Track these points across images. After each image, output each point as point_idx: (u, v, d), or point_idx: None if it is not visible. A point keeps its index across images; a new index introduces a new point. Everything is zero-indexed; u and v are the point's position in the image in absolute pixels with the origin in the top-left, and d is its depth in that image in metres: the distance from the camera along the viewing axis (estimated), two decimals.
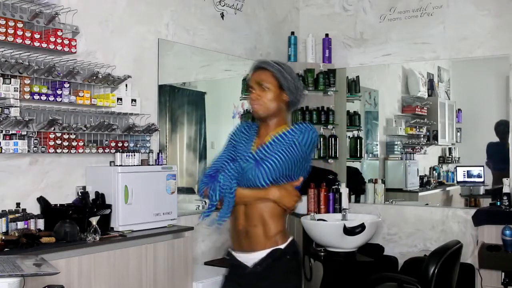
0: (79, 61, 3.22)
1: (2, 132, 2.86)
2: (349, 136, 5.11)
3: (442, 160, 5.29)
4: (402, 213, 4.76)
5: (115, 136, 3.44)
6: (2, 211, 2.90)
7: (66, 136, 3.13)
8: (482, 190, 4.73)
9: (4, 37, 2.83)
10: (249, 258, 2.26)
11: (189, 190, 4.57)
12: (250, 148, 2.31)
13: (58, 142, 3.08)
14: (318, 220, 4.29)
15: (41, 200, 3.09)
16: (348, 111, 5.11)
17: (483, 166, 4.71)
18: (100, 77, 3.27)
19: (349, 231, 4.00)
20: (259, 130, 2.35)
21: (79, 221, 2.96)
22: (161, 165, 3.55)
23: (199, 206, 4.43)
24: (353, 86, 5.10)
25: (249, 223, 2.28)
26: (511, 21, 4.35)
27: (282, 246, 2.25)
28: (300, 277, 2.34)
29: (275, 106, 2.26)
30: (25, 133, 2.96)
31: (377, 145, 5.35)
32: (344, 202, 4.68)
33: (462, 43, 4.54)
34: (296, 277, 2.29)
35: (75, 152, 3.18)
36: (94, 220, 2.96)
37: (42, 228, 2.98)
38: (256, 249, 2.24)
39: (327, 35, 5.10)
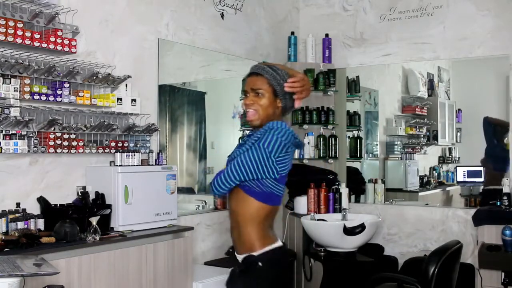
0: (79, 61, 3.22)
1: (2, 132, 2.86)
2: (349, 136, 5.11)
3: (442, 160, 5.29)
4: (402, 213, 4.76)
5: (115, 136, 3.44)
6: (2, 211, 2.90)
7: (66, 136, 3.13)
8: (482, 190, 4.73)
9: (4, 37, 2.83)
10: (238, 258, 2.32)
11: (189, 190, 4.57)
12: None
13: (58, 142, 3.08)
14: (318, 220, 4.29)
15: (41, 200, 3.09)
16: (348, 111, 5.11)
17: (483, 166, 4.71)
18: (100, 77, 3.27)
19: (349, 231, 4.00)
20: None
21: (79, 221, 2.96)
22: (161, 165, 3.55)
23: (199, 206, 4.43)
24: (353, 86, 5.11)
25: (231, 224, 2.33)
26: (511, 21, 4.35)
27: (256, 253, 2.23)
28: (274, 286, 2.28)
29: (269, 112, 2.26)
30: (25, 133, 2.95)
31: (377, 145, 5.35)
32: (344, 202, 4.68)
33: (462, 43, 4.54)
34: (265, 284, 2.23)
35: (75, 152, 3.18)
36: (94, 220, 2.96)
37: (42, 228, 2.98)
38: (239, 252, 2.30)
39: (327, 35, 5.10)
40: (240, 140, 2.44)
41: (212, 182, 2.22)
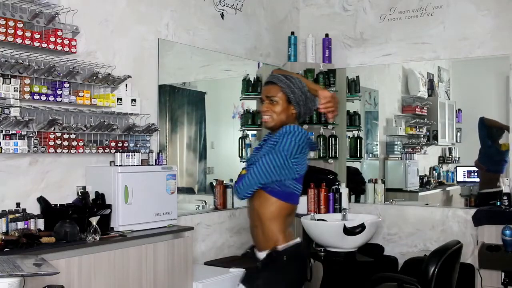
0: (79, 61, 3.22)
1: (2, 132, 2.86)
2: (349, 136, 5.11)
3: (442, 160, 5.29)
4: (402, 213, 4.76)
5: (115, 136, 3.44)
6: (2, 211, 2.90)
7: (66, 136, 3.13)
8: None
9: (4, 37, 2.83)
10: (259, 255, 2.43)
11: (189, 190, 4.58)
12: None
13: (58, 142, 3.08)
14: (318, 220, 4.29)
15: (41, 200, 3.09)
16: (348, 111, 5.11)
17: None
18: (100, 77, 3.27)
19: (349, 231, 4.00)
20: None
21: (79, 221, 2.96)
22: (161, 165, 3.55)
23: (199, 206, 4.43)
24: (353, 86, 5.11)
25: (252, 223, 2.44)
26: (511, 21, 4.36)
27: (280, 248, 2.35)
28: (294, 281, 2.41)
29: (283, 118, 2.43)
30: (25, 133, 2.95)
31: (377, 145, 5.35)
32: (344, 202, 4.68)
33: (462, 43, 4.54)
34: (288, 278, 2.37)
35: (75, 152, 3.18)
36: (94, 220, 2.95)
37: (42, 228, 2.97)
38: (260, 249, 2.42)
39: (327, 35, 5.10)
40: (257, 143, 2.54)
41: (236, 187, 2.38)
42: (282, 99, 2.42)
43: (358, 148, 5.07)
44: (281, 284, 2.36)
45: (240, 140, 4.84)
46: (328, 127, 4.98)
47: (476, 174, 4.79)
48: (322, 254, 4.14)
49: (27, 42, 2.92)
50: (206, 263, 4.12)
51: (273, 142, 2.35)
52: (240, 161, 4.83)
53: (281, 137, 2.32)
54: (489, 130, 4.61)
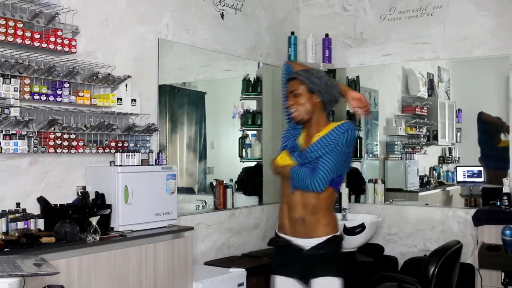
0: (79, 61, 3.22)
1: (2, 132, 2.86)
2: None
3: (442, 160, 5.29)
4: (402, 213, 4.76)
5: (115, 136, 3.44)
6: (2, 211, 2.90)
7: (66, 136, 3.13)
8: (481, 189, 4.74)
9: (4, 37, 2.83)
10: (306, 243, 2.54)
11: (189, 190, 4.57)
12: (298, 139, 2.62)
13: (58, 142, 3.08)
14: None
15: (41, 200, 3.09)
16: (348, 111, 5.10)
17: (483, 166, 4.71)
18: (100, 77, 3.27)
19: (349, 231, 4.00)
20: (303, 129, 2.65)
21: (79, 221, 2.96)
22: (161, 165, 3.55)
23: (199, 206, 4.43)
24: (353, 86, 5.10)
25: (307, 212, 2.54)
26: (511, 21, 4.35)
27: (338, 233, 2.59)
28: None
29: (308, 107, 2.55)
30: (25, 133, 2.95)
31: (377, 145, 5.35)
32: (344, 202, 4.68)
33: (462, 43, 4.54)
34: (344, 260, 2.66)
35: (75, 152, 3.18)
36: (94, 220, 2.96)
37: (42, 228, 2.98)
38: (314, 236, 2.54)
39: (327, 35, 5.10)
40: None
41: (310, 183, 2.48)
42: (303, 90, 2.55)
43: (358, 148, 5.07)
44: (343, 262, 2.65)
45: (240, 140, 4.84)
46: None
47: (475, 174, 4.78)
48: None
49: (27, 42, 2.92)
50: (206, 263, 4.12)
51: (334, 139, 2.49)
52: (240, 161, 4.83)
53: (342, 135, 2.48)
54: (486, 126, 4.61)
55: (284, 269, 2.62)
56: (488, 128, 4.60)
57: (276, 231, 2.72)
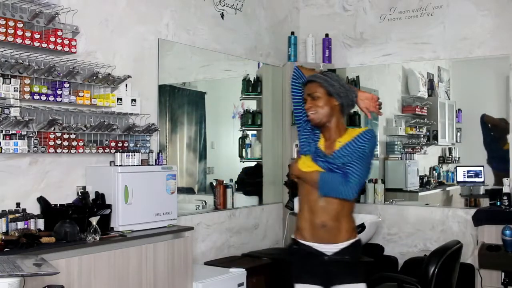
0: (79, 61, 3.22)
1: (2, 132, 2.86)
2: None
3: (442, 160, 5.28)
4: (402, 213, 4.76)
5: (115, 136, 3.44)
6: (2, 211, 2.90)
7: (66, 136, 3.13)
8: (482, 190, 4.73)
9: (4, 37, 2.83)
10: (328, 248, 2.52)
11: (189, 190, 4.57)
12: (318, 144, 2.59)
13: (58, 142, 3.08)
14: None
15: (41, 200, 3.09)
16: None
17: (483, 166, 4.71)
18: (100, 77, 3.27)
19: None
20: (322, 132, 2.62)
21: (79, 221, 2.96)
22: (161, 165, 3.55)
23: (199, 206, 4.43)
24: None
25: (330, 218, 2.53)
26: (511, 21, 4.35)
27: (358, 238, 2.60)
28: None
29: (327, 110, 2.54)
30: (25, 133, 2.95)
31: (377, 145, 5.35)
32: None
33: (462, 43, 4.54)
34: (365, 264, 2.72)
35: (75, 152, 3.18)
36: (94, 220, 2.96)
37: (42, 228, 2.98)
38: (336, 241, 2.53)
39: (327, 35, 5.10)
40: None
41: (344, 190, 2.48)
42: (322, 93, 2.53)
43: None
44: (365, 266, 2.68)
45: (240, 140, 4.84)
46: None
47: (481, 173, 4.77)
48: None
49: (27, 42, 2.92)
50: (206, 263, 4.12)
51: (360, 146, 2.51)
52: (240, 161, 4.83)
53: (368, 142, 2.51)
54: (490, 128, 4.60)
55: (306, 276, 2.57)
56: (493, 130, 4.60)
57: (294, 237, 2.67)
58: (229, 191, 4.47)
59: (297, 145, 4.75)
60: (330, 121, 2.56)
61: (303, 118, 2.64)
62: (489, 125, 4.62)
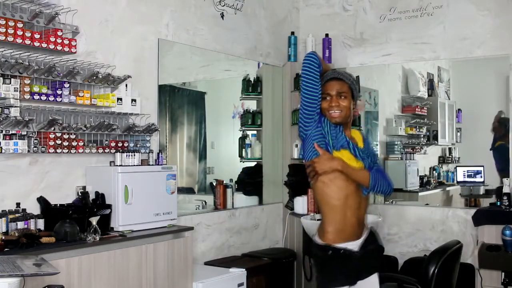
0: (79, 61, 3.22)
1: (2, 132, 2.86)
2: None
3: (442, 160, 5.29)
4: (402, 213, 4.76)
5: (115, 136, 3.44)
6: (2, 211, 2.90)
7: (66, 136, 3.13)
8: (482, 190, 4.73)
9: (4, 37, 2.83)
10: (356, 244, 2.53)
11: (189, 190, 4.58)
12: (345, 136, 2.56)
13: (58, 142, 3.08)
14: (318, 220, 4.27)
15: (41, 200, 3.09)
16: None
17: (483, 166, 4.71)
18: (100, 77, 3.27)
19: None
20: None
21: (79, 221, 2.96)
22: (161, 165, 3.55)
23: (199, 206, 4.43)
24: None
25: (363, 213, 2.60)
26: (511, 21, 4.35)
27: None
28: None
29: (349, 113, 2.56)
30: (25, 133, 2.95)
31: (377, 145, 5.35)
32: None
33: (462, 43, 4.54)
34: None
35: (75, 152, 3.18)
36: (94, 220, 2.96)
37: (42, 228, 2.98)
38: (361, 236, 2.57)
39: (327, 35, 5.10)
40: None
41: (390, 188, 2.62)
42: (349, 94, 2.54)
43: None
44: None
45: (240, 140, 4.84)
46: None
47: (481, 173, 4.77)
48: None
49: (27, 42, 2.92)
50: (206, 263, 4.12)
51: (369, 146, 2.67)
52: (240, 161, 4.83)
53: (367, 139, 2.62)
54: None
55: (341, 278, 2.52)
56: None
57: (323, 242, 2.54)
58: (229, 191, 4.47)
59: (297, 145, 4.76)
60: (348, 122, 2.59)
61: (316, 110, 2.48)
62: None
